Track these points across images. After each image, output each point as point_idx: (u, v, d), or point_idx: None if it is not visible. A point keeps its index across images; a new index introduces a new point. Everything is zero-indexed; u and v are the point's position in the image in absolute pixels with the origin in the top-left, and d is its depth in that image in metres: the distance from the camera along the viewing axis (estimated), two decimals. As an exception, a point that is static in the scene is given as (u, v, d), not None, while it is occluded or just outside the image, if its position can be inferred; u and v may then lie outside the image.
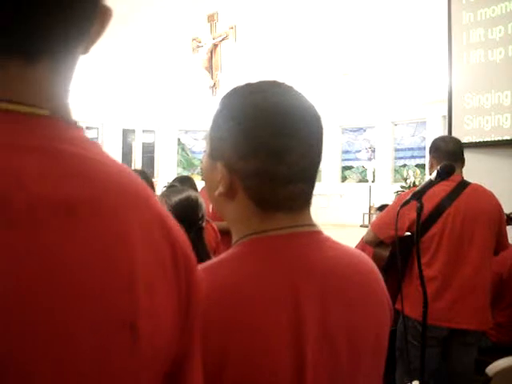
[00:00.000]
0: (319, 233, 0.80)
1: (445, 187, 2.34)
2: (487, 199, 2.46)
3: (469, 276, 2.34)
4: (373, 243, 2.48)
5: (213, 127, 0.79)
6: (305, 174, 0.76)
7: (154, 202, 0.51)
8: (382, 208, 4.73)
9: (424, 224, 2.29)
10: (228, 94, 0.80)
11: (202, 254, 1.66)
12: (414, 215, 2.23)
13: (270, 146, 0.73)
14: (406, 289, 2.24)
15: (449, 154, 2.45)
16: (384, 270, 2.39)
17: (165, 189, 2.00)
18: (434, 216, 2.32)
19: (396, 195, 11.14)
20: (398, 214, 2.09)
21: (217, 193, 0.77)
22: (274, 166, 0.73)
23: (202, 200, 1.86)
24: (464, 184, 2.43)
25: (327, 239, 0.81)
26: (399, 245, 2.31)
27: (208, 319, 0.68)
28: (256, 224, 0.76)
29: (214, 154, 0.78)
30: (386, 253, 2.41)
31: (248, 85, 0.79)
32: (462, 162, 2.49)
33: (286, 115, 0.74)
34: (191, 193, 1.85)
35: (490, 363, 1.91)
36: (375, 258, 2.49)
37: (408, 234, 2.36)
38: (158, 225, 0.50)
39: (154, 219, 0.50)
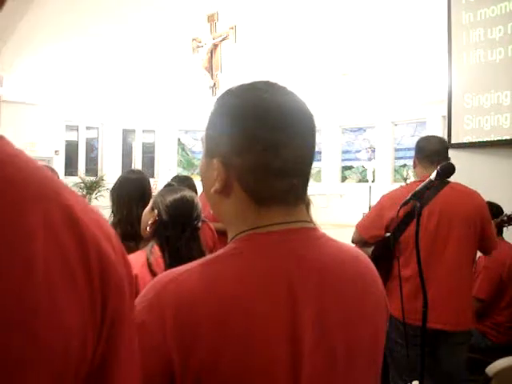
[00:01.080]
0: (315, 229, 0.81)
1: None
2: (466, 198, 2.42)
3: (445, 276, 2.33)
4: (359, 243, 2.48)
5: (208, 127, 0.81)
6: (298, 168, 0.78)
7: (64, 196, 0.48)
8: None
9: (400, 224, 2.29)
10: (222, 94, 0.82)
11: (197, 254, 1.67)
12: (391, 214, 2.27)
13: (264, 140, 0.74)
14: (390, 289, 2.22)
15: (431, 153, 2.45)
16: None
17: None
18: (409, 216, 2.30)
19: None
20: (397, 214, 2.09)
21: (213, 190, 0.78)
22: (269, 160, 0.74)
23: (197, 200, 1.86)
24: (442, 183, 2.40)
25: (323, 236, 0.82)
26: (383, 245, 2.31)
27: (202, 316, 0.68)
28: (252, 219, 0.77)
29: (209, 152, 0.80)
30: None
31: (241, 85, 0.81)
32: (445, 160, 2.47)
33: (279, 111, 0.76)
34: (187, 193, 1.85)
35: (489, 363, 1.91)
36: None
37: (388, 234, 2.37)
38: (66, 221, 0.47)
39: (62, 215, 0.47)
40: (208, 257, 0.78)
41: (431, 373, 2.36)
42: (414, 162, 2.56)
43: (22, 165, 0.47)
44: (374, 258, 2.35)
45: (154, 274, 1.63)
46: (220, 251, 0.78)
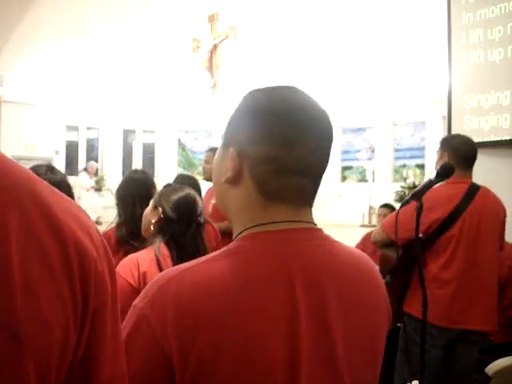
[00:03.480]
0: (319, 230, 0.82)
1: (459, 190, 2.36)
2: (497, 202, 2.50)
3: (483, 278, 2.37)
4: (381, 243, 2.45)
5: (229, 120, 0.83)
6: (311, 170, 0.78)
7: (42, 196, 0.48)
8: (385, 206, 4.73)
9: (442, 226, 2.31)
10: (248, 92, 0.84)
11: (202, 250, 1.71)
12: (432, 217, 2.25)
13: (280, 136, 0.76)
14: (418, 291, 2.08)
15: (469, 158, 2.44)
16: (392, 272, 2.39)
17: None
18: (452, 218, 2.33)
19: (395, 195, 11.12)
20: (396, 215, 2.09)
21: (224, 178, 0.79)
22: (282, 155, 0.76)
23: (198, 197, 1.91)
24: (475, 187, 2.44)
25: (328, 237, 0.82)
26: (411, 247, 2.28)
27: (202, 312, 0.69)
28: (258, 215, 0.78)
29: (227, 142, 0.82)
30: (393, 254, 2.38)
31: (267, 86, 0.83)
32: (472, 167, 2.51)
33: (300, 111, 0.77)
34: (189, 191, 1.89)
35: (490, 363, 1.92)
36: (382, 259, 2.48)
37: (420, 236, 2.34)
38: (43, 221, 0.47)
39: (39, 215, 0.47)
40: (211, 254, 0.79)
41: (445, 374, 2.36)
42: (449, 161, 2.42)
43: None
44: (402, 260, 2.34)
45: (162, 271, 1.65)
46: (224, 249, 0.79)
